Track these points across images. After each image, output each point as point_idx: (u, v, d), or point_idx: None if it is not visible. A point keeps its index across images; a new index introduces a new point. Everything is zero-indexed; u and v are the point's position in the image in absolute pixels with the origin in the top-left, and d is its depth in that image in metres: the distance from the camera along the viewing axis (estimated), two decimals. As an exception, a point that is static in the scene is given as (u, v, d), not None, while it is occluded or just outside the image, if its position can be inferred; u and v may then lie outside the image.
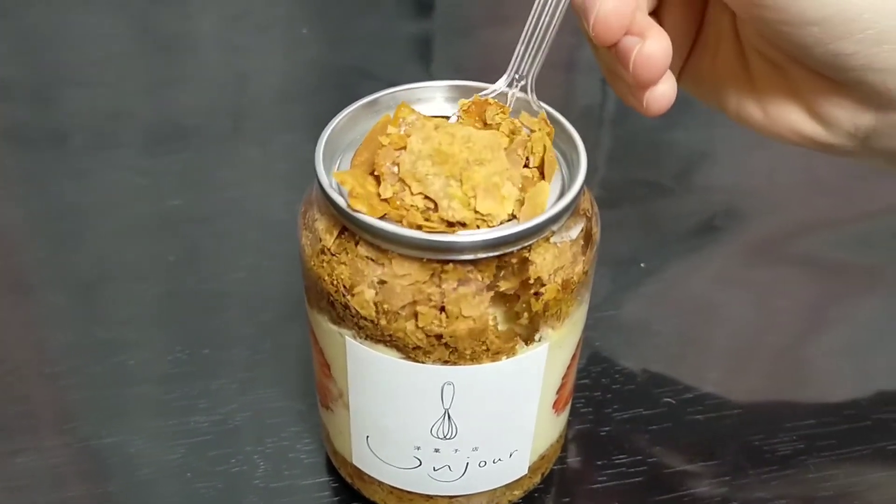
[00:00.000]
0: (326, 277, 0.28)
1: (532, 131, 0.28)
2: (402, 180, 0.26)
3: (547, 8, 0.29)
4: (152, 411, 0.38)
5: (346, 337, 0.28)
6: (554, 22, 0.29)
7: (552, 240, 0.27)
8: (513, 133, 0.28)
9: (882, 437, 0.38)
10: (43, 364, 0.40)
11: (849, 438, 0.38)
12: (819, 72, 0.29)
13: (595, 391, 0.40)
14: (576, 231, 0.28)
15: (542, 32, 0.29)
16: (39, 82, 0.60)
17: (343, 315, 0.28)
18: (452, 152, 0.25)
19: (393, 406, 0.29)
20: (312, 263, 0.28)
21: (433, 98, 0.31)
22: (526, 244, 0.27)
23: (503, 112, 0.29)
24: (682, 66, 0.33)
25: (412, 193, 0.26)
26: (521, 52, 0.30)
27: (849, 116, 0.30)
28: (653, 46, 0.28)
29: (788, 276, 0.47)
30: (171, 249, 0.46)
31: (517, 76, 0.30)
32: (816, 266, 0.47)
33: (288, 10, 0.69)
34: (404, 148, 0.26)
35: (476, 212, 0.26)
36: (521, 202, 0.27)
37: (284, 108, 0.59)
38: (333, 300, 0.28)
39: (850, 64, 0.28)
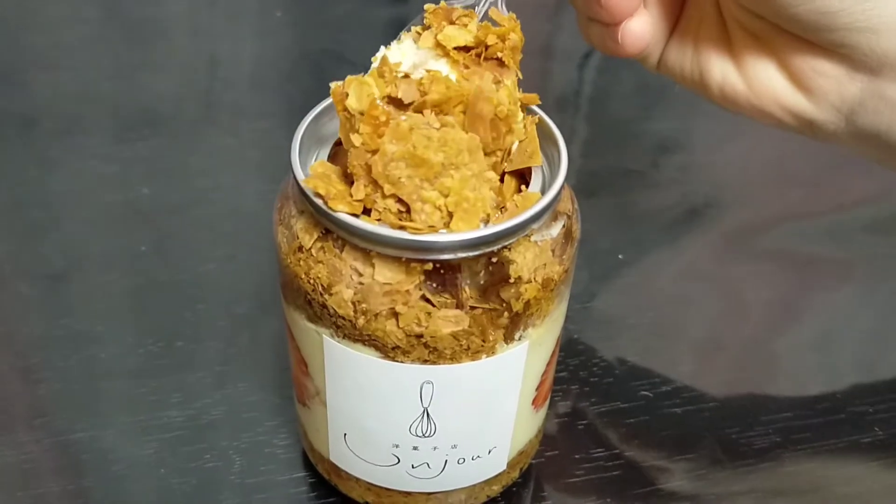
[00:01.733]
0: (303, 276, 0.27)
1: (499, 26, 0.28)
2: (374, 182, 0.25)
3: None
4: (125, 406, 0.38)
5: (324, 335, 0.28)
6: None
7: (533, 238, 0.27)
8: (478, 39, 0.27)
9: (856, 430, 0.38)
10: (14, 357, 0.40)
11: (824, 431, 0.38)
12: (803, 36, 0.29)
13: (573, 384, 0.40)
14: (556, 229, 0.28)
15: None
16: (7, 66, 0.58)
17: (320, 314, 0.28)
18: (427, 156, 0.25)
19: (371, 405, 0.29)
20: (289, 261, 0.28)
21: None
22: (506, 243, 0.26)
23: (469, 16, 0.28)
24: (666, 43, 0.33)
25: (384, 196, 0.25)
26: None
27: (834, 86, 0.30)
28: None
29: (763, 268, 0.47)
30: (142, 240, 0.46)
31: None
32: (790, 259, 0.47)
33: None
34: (376, 151, 0.25)
35: (448, 214, 0.25)
36: (499, 206, 0.26)
37: (257, 94, 0.58)
38: (311, 299, 0.27)
39: (835, 23, 0.28)
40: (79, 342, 0.40)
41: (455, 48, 0.27)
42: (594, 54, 0.62)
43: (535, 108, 0.30)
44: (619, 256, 0.47)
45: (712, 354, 0.42)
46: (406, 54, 0.28)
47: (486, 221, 0.26)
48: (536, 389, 0.31)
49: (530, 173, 0.28)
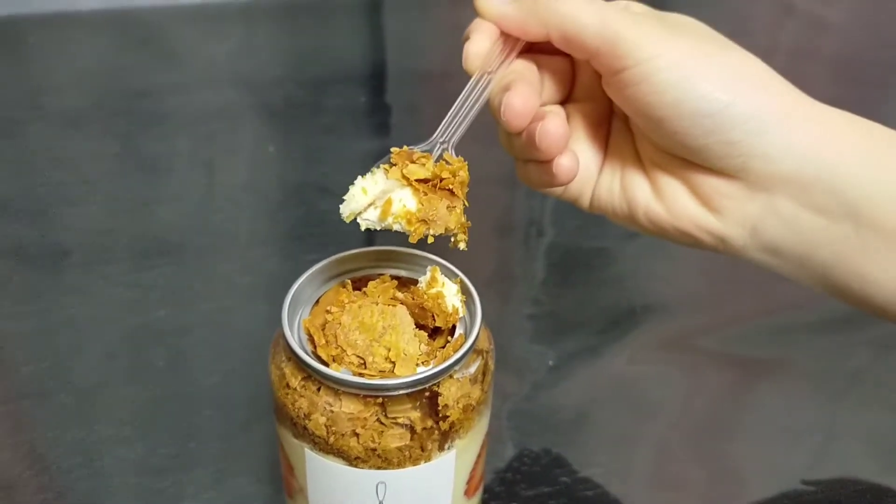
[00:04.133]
0: (290, 405, 0.38)
1: (451, 165, 0.38)
2: (339, 346, 0.36)
3: (472, 94, 0.38)
4: (151, 497, 0.48)
5: (305, 448, 0.38)
6: (477, 104, 0.38)
7: (455, 376, 0.38)
8: (435, 174, 0.37)
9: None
10: (59, 458, 0.50)
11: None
12: (707, 164, 0.37)
13: (507, 472, 0.50)
14: (474, 367, 0.39)
15: (466, 111, 0.39)
16: (40, 202, 0.69)
17: (302, 433, 0.38)
18: (372, 322, 0.36)
19: (341, 499, 0.39)
20: (280, 393, 0.38)
21: (368, 260, 0.41)
22: (436, 381, 0.37)
23: (426, 157, 0.38)
24: (595, 183, 0.41)
25: (346, 353, 0.36)
26: (447, 122, 0.39)
27: (737, 205, 0.37)
28: (553, 122, 0.37)
29: (673, 371, 0.57)
30: (158, 356, 0.56)
31: (442, 140, 0.39)
32: (723, 358, 0.58)
33: (256, 129, 0.80)
34: (342, 322, 0.36)
35: (391, 363, 0.36)
36: (425, 355, 0.37)
37: (251, 223, 0.69)
38: (295, 421, 0.38)
39: (736, 151, 0.35)
40: (109, 444, 0.50)
41: (416, 180, 0.37)
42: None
43: (459, 273, 0.40)
44: (549, 363, 0.57)
45: (625, 448, 0.52)
46: (377, 183, 0.38)
47: (424, 364, 0.37)
48: (467, 483, 0.41)
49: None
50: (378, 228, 0.37)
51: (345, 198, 0.38)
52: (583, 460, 0.51)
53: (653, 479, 0.51)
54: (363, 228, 0.37)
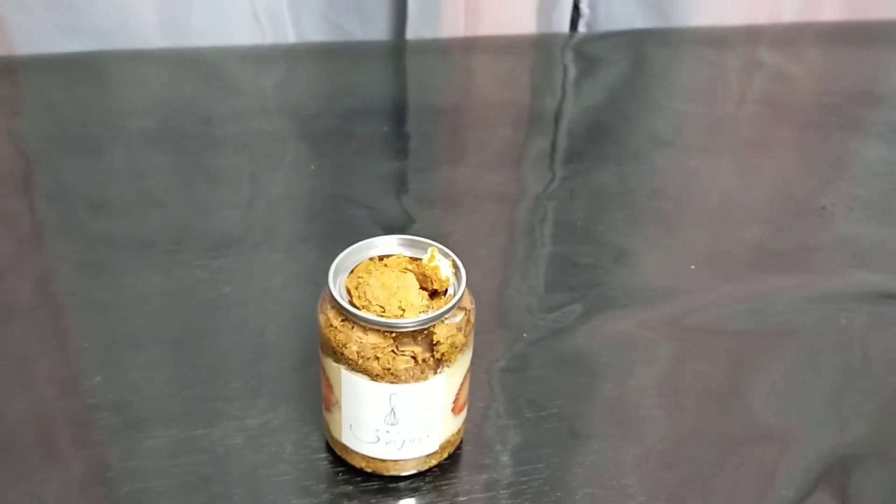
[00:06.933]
0: (332, 339, 0.55)
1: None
2: (367, 299, 0.54)
3: None
4: (223, 417, 0.65)
5: (342, 369, 0.56)
6: None
7: (446, 322, 0.55)
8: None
9: None
10: (156, 390, 0.67)
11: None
12: None
13: (488, 409, 0.67)
14: (459, 318, 0.56)
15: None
16: (129, 203, 0.87)
17: (340, 358, 0.55)
18: (390, 283, 0.53)
19: (364, 406, 0.57)
20: (325, 331, 0.56)
21: (389, 243, 0.59)
22: (432, 324, 0.54)
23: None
24: None
25: (372, 304, 0.54)
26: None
27: None
28: None
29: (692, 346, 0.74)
30: (228, 322, 0.74)
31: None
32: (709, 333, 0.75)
33: (298, 151, 0.98)
34: (369, 283, 0.54)
35: (402, 310, 0.54)
36: (425, 307, 0.55)
37: (296, 225, 0.87)
38: (335, 350, 0.55)
39: None
40: (192, 382, 0.68)
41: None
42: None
43: (451, 253, 0.58)
44: (524, 335, 0.74)
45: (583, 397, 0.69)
46: None
47: (424, 312, 0.54)
48: (454, 402, 0.59)
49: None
50: None
51: None
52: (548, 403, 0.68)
53: (613, 423, 0.68)
54: None
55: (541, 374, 0.71)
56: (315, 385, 0.63)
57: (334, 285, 0.56)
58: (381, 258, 0.58)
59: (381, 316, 0.54)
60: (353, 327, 0.54)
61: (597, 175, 0.97)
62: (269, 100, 1.08)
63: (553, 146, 1.03)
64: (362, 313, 0.54)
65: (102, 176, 0.92)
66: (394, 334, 0.54)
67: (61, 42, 1.12)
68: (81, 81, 1.09)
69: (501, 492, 0.61)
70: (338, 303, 0.54)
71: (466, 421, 0.64)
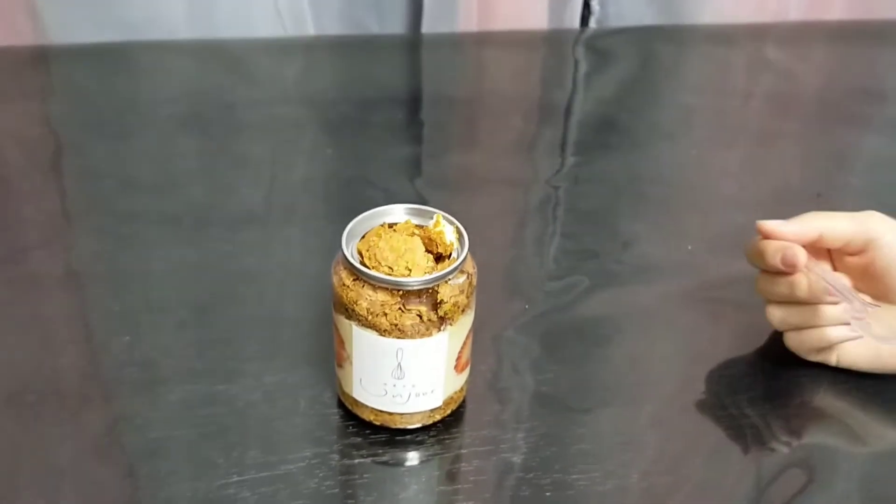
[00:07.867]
0: (345, 297, 0.60)
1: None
2: (377, 260, 0.59)
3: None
4: (241, 374, 0.70)
5: (353, 325, 0.60)
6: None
7: (450, 282, 0.60)
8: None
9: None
10: (182, 349, 0.72)
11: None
12: None
13: (489, 374, 0.72)
14: (461, 280, 0.60)
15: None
16: (162, 179, 0.93)
17: (351, 315, 0.60)
18: (398, 246, 0.58)
19: (373, 361, 0.61)
20: (339, 290, 0.60)
21: (398, 211, 0.64)
22: (436, 283, 0.59)
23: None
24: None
25: (381, 264, 0.58)
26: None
27: None
28: (793, 249, 0.65)
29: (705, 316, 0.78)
30: (248, 290, 0.79)
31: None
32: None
33: (317, 137, 1.03)
34: (378, 245, 0.59)
35: (409, 270, 0.58)
36: (430, 268, 0.59)
37: (316, 203, 0.92)
38: (347, 307, 0.60)
39: None
40: (215, 344, 0.73)
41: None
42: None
43: (455, 220, 0.62)
44: (525, 305, 0.79)
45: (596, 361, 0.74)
46: None
47: (429, 273, 0.59)
48: (456, 360, 0.63)
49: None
50: None
51: None
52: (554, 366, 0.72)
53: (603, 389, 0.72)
54: None
55: (545, 343, 0.75)
56: (328, 350, 0.68)
57: (347, 248, 0.60)
58: (390, 225, 0.63)
59: (390, 275, 0.58)
60: (363, 286, 0.59)
61: (604, 163, 1.01)
62: (290, 89, 1.13)
63: (563, 136, 1.08)
64: (372, 272, 0.58)
65: (132, 158, 0.97)
66: (401, 292, 0.58)
67: (93, 33, 1.18)
68: (112, 70, 1.15)
69: (501, 446, 0.65)
70: (350, 263, 0.59)
71: (470, 382, 0.68)
